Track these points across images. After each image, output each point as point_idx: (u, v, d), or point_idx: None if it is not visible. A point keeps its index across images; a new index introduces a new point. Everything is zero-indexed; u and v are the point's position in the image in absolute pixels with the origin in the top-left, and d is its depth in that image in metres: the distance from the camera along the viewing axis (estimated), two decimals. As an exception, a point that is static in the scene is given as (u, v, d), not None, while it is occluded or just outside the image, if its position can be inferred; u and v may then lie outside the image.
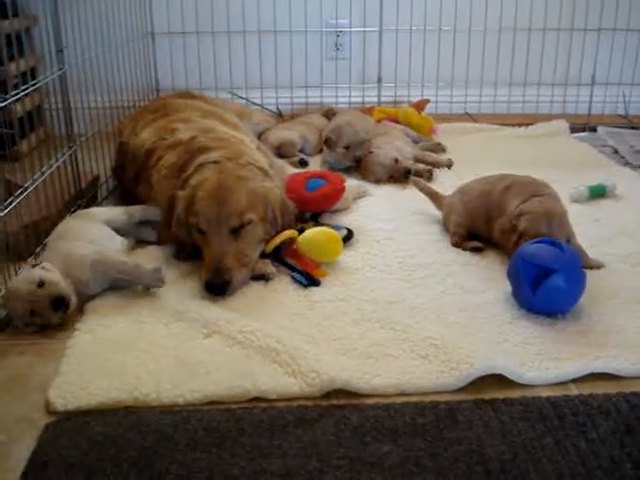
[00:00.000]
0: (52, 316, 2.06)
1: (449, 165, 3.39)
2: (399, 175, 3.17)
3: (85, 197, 2.90)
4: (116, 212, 2.57)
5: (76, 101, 2.92)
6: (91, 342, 1.99)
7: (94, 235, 2.36)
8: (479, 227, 2.54)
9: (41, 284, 2.05)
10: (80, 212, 2.57)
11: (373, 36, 4.24)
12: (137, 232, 2.57)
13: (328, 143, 3.35)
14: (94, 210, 2.61)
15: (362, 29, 4.26)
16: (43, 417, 1.73)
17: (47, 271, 2.11)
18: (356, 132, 3.36)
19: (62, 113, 2.83)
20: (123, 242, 2.45)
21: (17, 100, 2.40)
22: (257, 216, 2.31)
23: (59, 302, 2.05)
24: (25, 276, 2.09)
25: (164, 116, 2.89)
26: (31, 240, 2.45)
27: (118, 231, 2.49)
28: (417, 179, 2.90)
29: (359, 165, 3.30)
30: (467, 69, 4.30)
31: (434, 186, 3.03)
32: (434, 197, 2.78)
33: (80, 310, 2.16)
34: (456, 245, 2.53)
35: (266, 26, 4.17)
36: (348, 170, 3.34)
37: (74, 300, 2.11)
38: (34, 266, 2.12)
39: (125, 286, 2.24)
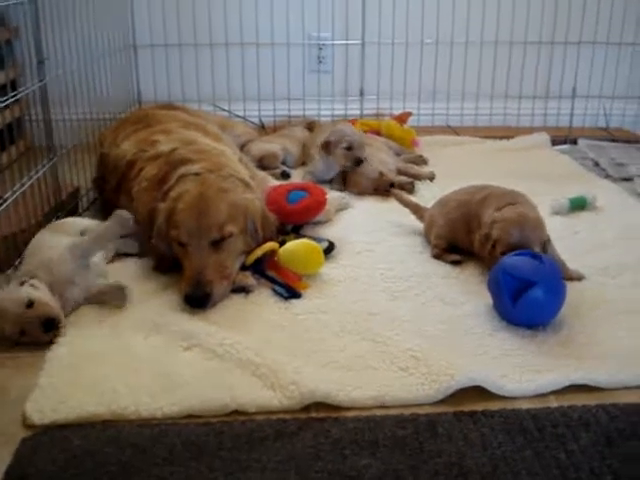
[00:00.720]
0: (42, 336, 2.02)
1: (431, 177, 3.39)
2: (383, 188, 3.17)
3: (65, 209, 2.88)
4: (93, 222, 2.55)
5: (57, 113, 2.91)
6: (70, 355, 1.97)
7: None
8: (460, 238, 2.54)
9: (30, 304, 2.02)
10: (55, 223, 2.55)
11: (355, 49, 4.25)
12: (118, 244, 2.55)
13: (327, 146, 3.30)
14: (69, 220, 2.60)
15: (344, 42, 4.27)
16: (20, 431, 1.70)
17: (35, 289, 2.07)
18: (356, 133, 3.36)
19: (43, 125, 2.82)
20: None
21: (-4, 112, 2.38)
22: (238, 228, 2.30)
23: (50, 323, 2.02)
24: (13, 296, 2.05)
25: (145, 127, 2.87)
26: (10, 252, 2.44)
27: None
28: (398, 191, 2.91)
29: (345, 176, 3.30)
30: (449, 82, 4.32)
31: (416, 198, 3.04)
32: (415, 209, 2.78)
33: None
34: (436, 257, 2.54)
35: (248, 38, 4.17)
36: (330, 182, 3.35)
37: (63, 318, 2.08)
38: (22, 283, 2.08)
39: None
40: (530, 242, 2.24)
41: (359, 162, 3.24)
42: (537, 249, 2.24)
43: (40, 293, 2.06)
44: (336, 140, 3.28)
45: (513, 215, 2.31)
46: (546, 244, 2.31)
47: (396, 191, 2.91)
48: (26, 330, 2.02)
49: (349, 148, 3.26)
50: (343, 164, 3.29)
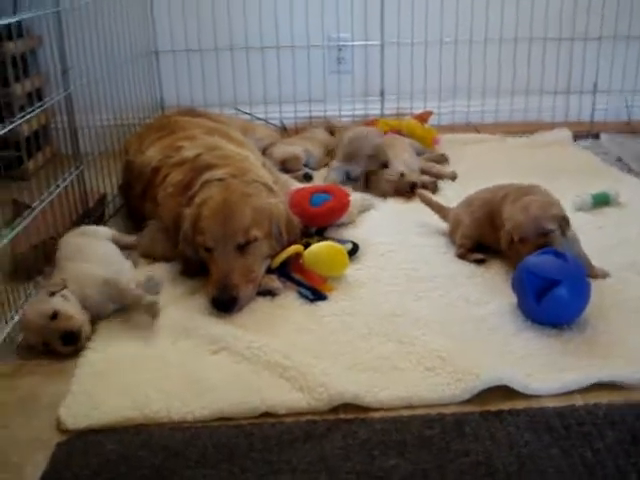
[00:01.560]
0: (62, 349, 2.05)
1: (453, 177, 3.40)
2: (405, 189, 3.18)
3: (93, 216, 2.93)
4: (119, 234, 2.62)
5: (82, 120, 2.95)
6: (100, 361, 2.01)
7: (103, 254, 2.38)
8: (486, 237, 2.55)
9: (54, 316, 2.04)
10: (85, 229, 2.57)
11: (375, 49, 4.27)
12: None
13: (350, 156, 3.33)
14: (100, 228, 2.63)
15: (364, 43, 4.29)
16: (54, 436, 1.75)
17: (65, 300, 2.10)
18: (376, 138, 3.38)
19: (68, 132, 2.87)
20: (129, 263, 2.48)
21: (24, 121, 2.42)
22: (262, 232, 2.33)
23: (69, 337, 2.05)
24: (39, 306, 2.08)
25: (169, 134, 2.91)
26: (40, 260, 2.48)
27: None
28: (422, 192, 2.92)
29: (367, 178, 3.31)
30: (469, 79, 4.32)
31: (438, 198, 3.05)
32: (439, 209, 2.80)
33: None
34: (461, 256, 2.55)
35: (268, 42, 4.20)
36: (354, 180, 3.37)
37: (87, 330, 2.11)
38: (53, 293, 2.10)
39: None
40: (538, 221, 2.26)
41: (385, 166, 3.25)
42: (551, 226, 2.26)
43: (68, 305, 2.10)
44: (357, 148, 3.32)
45: (520, 204, 2.35)
46: (564, 224, 2.31)
47: (420, 191, 2.92)
48: (48, 342, 2.06)
49: (371, 156, 3.28)
50: (369, 167, 3.29)
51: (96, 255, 2.35)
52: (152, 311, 2.18)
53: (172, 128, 2.98)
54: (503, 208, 2.46)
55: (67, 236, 2.46)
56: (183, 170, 2.59)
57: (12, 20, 2.46)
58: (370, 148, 3.28)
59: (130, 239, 2.63)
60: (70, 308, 2.09)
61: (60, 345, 2.05)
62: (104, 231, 2.58)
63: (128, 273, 2.36)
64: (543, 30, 4.25)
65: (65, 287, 2.14)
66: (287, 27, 4.18)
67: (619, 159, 3.78)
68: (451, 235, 2.67)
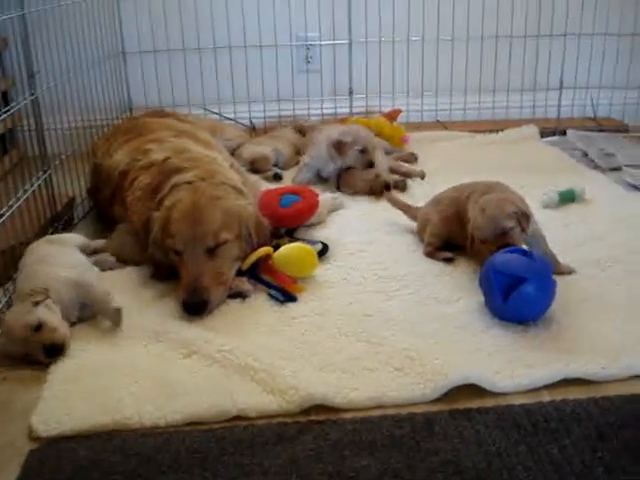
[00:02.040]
0: (45, 360, 2.03)
1: (422, 176, 3.42)
2: (378, 189, 3.19)
3: (61, 219, 2.91)
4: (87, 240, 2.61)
5: (49, 122, 2.94)
6: (73, 367, 2.00)
7: (73, 260, 2.37)
8: (455, 235, 2.58)
9: (38, 327, 2.02)
10: (51, 237, 2.56)
11: (343, 48, 4.29)
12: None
13: (339, 146, 3.29)
14: (66, 236, 2.62)
15: (332, 42, 4.31)
16: (27, 444, 1.74)
17: (49, 311, 2.08)
18: (369, 135, 3.38)
19: (35, 135, 2.85)
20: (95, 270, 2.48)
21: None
22: (232, 235, 2.34)
23: (53, 350, 2.03)
24: (23, 317, 2.04)
25: (137, 136, 2.90)
26: (9, 266, 2.46)
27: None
28: (390, 195, 2.94)
29: (339, 176, 3.32)
30: (437, 77, 4.36)
31: (407, 197, 3.09)
32: (407, 209, 2.83)
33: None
34: (429, 255, 2.58)
35: (236, 41, 4.20)
36: (325, 180, 3.40)
37: (68, 341, 2.09)
38: (37, 303, 2.07)
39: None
40: (495, 221, 2.28)
41: (371, 165, 3.27)
42: (509, 224, 2.27)
43: (52, 316, 2.08)
44: (351, 142, 3.28)
45: (479, 204, 2.37)
46: (523, 220, 2.31)
47: (388, 194, 2.94)
48: (30, 353, 2.04)
49: (363, 151, 3.28)
50: (352, 165, 3.30)
51: (63, 260, 2.34)
52: (116, 317, 2.18)
53: (140, 130, 2.97)
54: (468, 207, 2.48)
55: (33, 244, 2.44)
56: (151, 173, 2.58)
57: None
58: (362, 145, 3.28)
59: (98, 243, 2.62)
60: (54, 319, 2.07)
61: (43, 356, 2.03)
62: (71, 238, 2.56)
63: (94, 280, 2.35)
64: (509, 28, 4.30)
65: (48, 297, 2.12)
66: (255, 27, 4.18)
67: (585, 155, 3.83)
68: (419, 234, 2.70)
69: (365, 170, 3.27)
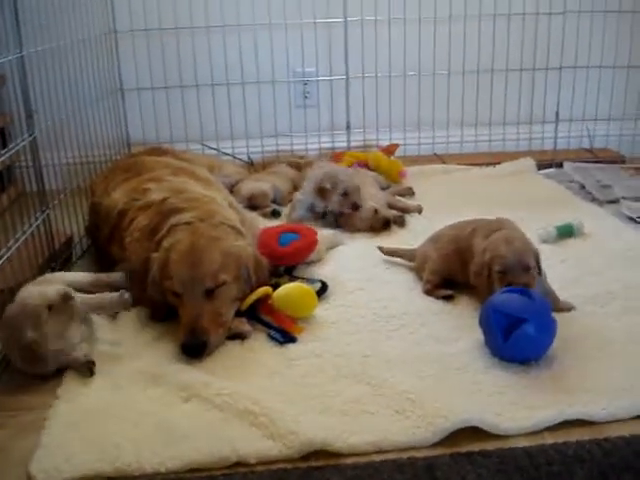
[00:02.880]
0: None
1: (419, 210, 3.43)
2: (378, 225, 3.20)
3: (59, 258, 2.90)
4: (80, 275, 2.59)
5: (47, 158, 2.95)
6: (71, 411, 1.98)
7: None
8: (455, 272, 2.58)
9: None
10: (41, 278, 2.52)
11: (340, 83, 4.33)
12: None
13: (323, 193, 3.28)
14: (56, 274, 2.61)
15: (329, 77, 4.34)
16: (25, 493, 1.72)
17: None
18: (349, 175, 3.37)
19: (33, 173, 2.85)
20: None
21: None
22: (231, 276, 2.33)
23: None
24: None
25: (135, 175, 2.91)
26: (6, 306, 2.45)
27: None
28: (387, 249, 2.90)
29: (345, 215, 3.30)
30: (433, 111, 4.39)
31: (406, 232, 3.10)
32: (404, 254, 2.83)
33: (59, 376, 2.16)
34: (428, 293, 2.57)
35: (234, 78, 4.23)
36: (323, 217, 3.39)
37: None
38: None
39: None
40: (522, 255, 2.27)
41: (356, 207, 3.25)
42: (531, 261, 2.27)
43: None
44: (331, 188, 3.27)
45: (500, 236, 2.37)
46: (539, 258, 2.33)
47: (383, 247, 2.91)
48: None
49: (345, 194, 3.27)
50: (340, 210, 3.28)
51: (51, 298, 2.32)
52: (87, 368, 2.17)
53: (138, 169, 2.98)
54: (472, 242, 2.49)
55: (26, 286, 2.43)
56: (150, 214, 2.59)
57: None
58: (343, 189, 3.27)
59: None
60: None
61: None
62: (55, 277, 2.55)
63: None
64: (505, 61, 4.33)
65: None
66: (252, 63, 4.23)
67: (582, 187, 3.84)
68: (418, 272, 2.70)
69: (358, 211, 3.26)
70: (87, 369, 2.16)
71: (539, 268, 2.32)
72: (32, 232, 2.68)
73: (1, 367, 2.26)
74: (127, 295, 2.36)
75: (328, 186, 3.27)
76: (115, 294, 2.36)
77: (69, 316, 2.22)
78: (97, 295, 2.38)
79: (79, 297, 2.31)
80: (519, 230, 2.47)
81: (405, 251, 2.83)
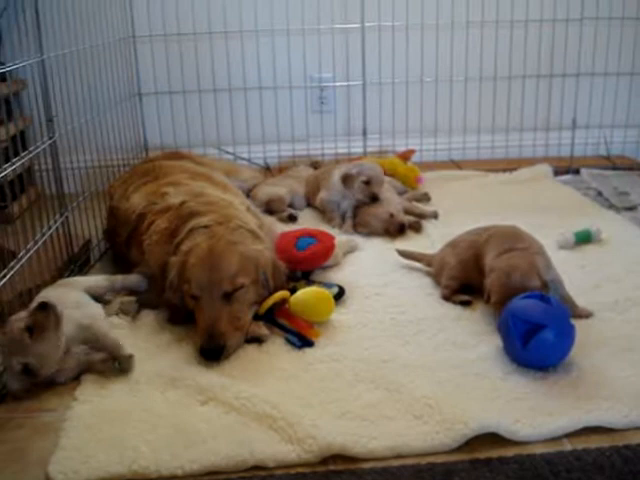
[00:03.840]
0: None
1: (435, 216, 3.43)
2: (394, 230, 3.21)
3: (78, 261, 2.92)
4: (97, 279, 2.60)
5: (66, 162, 2.96)
6: (89, 413, 1.99)
7: (73, 301, 2.37)
8: (473, 278, 2.56)
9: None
10: (60, 281, 2.57)
11: (357, 89, 4.33)
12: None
13: (347, 179, 3.35)
14: (74, 279, 2.62)
15: (346, 83, 4.35)
16: (44, 494, 1.73)
17: None
18: (377, 170, 3.40)
19: (52, 175, 2.87)
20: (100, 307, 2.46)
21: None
22: (249, 280, 2.34)
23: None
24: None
25: (154, 180, 2.93)
26: (26, 308, 2.46)
27: (99, 299, 2.52)
28: (402, 250, 2.91)
29: (362, 211, 3.34)
30: (450, 117, 4.39)
31: (423, 238, 3.10)
32: (421, 258, 2.83)
33: (77, 379, 2.17)
34: (446, 298, 2.56)
35: (251, 83, 4.25)
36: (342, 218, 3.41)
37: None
38: None
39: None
40: (517, 288, 2.25)
41: (375, 198, 3.29)
42: (534, 288, 2.25)
43: None
44: (356, 173, 3.33)
45: (503, 265, 2.35)
46: (544, 288, 2.30)
47: (401, 250, 2.91)
48: None
49: (367, 182, 3.31)
50: (359, 198, 3.33)
51: (65, 300, 2.33)
52: (127, 365, 2.18)
53: (156, 173, 2.99)
54: (485, 251, 2.49)
55: (46, 289, 2.45)
56: (168, 218, 2.59)
57: (-2, 72, 2.48)
58: (366, 176, 3.32)
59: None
60: None
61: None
62: (78, 281, 2.58)
63: (103, 323, 2.35)
64: (522, 68, 4.33)
65: None
66: (270, 68, 4.24)
67: (599, 194, 3.83)
68: (436, 277, 2.69)
69: (379, 210, 3.27)
70: (128, 364, 2.18)
71: (547, 289, 2.30)
72: (51, 235, 2.70)
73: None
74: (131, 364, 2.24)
75: (354, 171, 3.33)
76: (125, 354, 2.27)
77: (52, 326, 2.13)
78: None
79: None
80: (531, 251, 2.42)
81: (422, 255, 2.83)
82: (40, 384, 2.12)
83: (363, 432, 1.84)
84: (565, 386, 2.02)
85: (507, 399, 1.97)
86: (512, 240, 2.47)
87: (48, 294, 2.40)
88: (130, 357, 2.19)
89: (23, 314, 2.14)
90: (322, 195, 3.52)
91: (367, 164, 3.44)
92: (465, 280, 2.59)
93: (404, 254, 2.88)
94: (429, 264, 2.76)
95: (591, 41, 4.25)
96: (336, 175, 3.46)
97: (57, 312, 2.13)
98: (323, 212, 3.53)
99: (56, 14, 2.97)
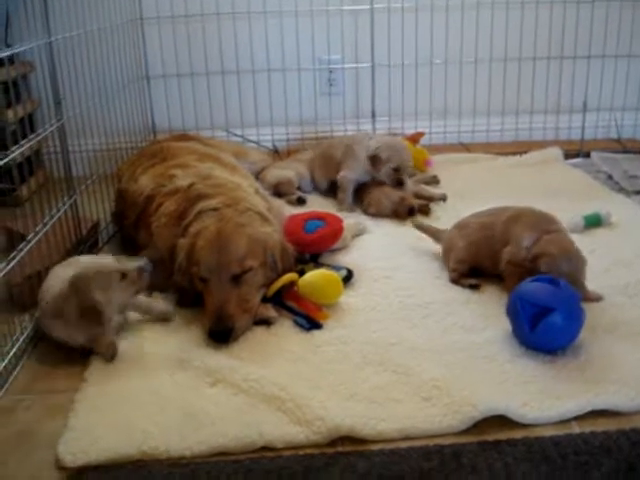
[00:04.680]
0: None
1: (443, 199, 3.41)
2: (403, 212, 3.20)
3: (86, 244, 2.92)
4: (108, 260, 2.59)
5: (74, 145, 2.95)
6: (98, 395, 2.00)
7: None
8: (482, 260, 2.56)
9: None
10: (71, 259, 2.52)
11: (366, 71, 4.30)
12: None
13: (375, 161, 3.32)
14: (86, 257, 2.61)
15: (354, 65, 4.32)
16: (53, 474, 1.74)
17: None
18: (406, 152, 3.39)
19: (61, 158, 2.86)
20: None
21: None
22: (257, 262, 2.34)
23: None
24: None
25: (162, 161, 2.92)
26: (35, 291, 2.47)
27: None
28: (418, 222, 2.90)
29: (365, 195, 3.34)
30: (459, 100, 4.36)
31: (432, 220, 3.09)
32: (434, 233, 2.80)
33: (87, 359, 2.18)
34: (454, 281, 2.56)
35: (260, 65, 4.23)
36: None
37: None
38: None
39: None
40: (578, 276, 2.26)
41: (401, 184, 3.28)
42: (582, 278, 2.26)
43: None
44: (386, 158, 3.31)
45: (559, 250, 2.31)
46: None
47: (417, 221, 2.90)
48: None
49: (396, 169, 3.30)
50: (384, 181, 3.33)
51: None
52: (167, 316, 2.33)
53: (164, 155, 2.98)
54: (512, 231, 2.46)
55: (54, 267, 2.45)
56: (176, 200, 2.59)
57: (5, 54, 2.47)
58: (396, 163, 3.31)
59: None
60: None
61: None
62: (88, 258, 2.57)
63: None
64: (532, 50, 4.29)
65: None
66: (278, 50, 4.21)
67: (610, 177, 3.81)
68: (444, 258, 2.68)
69: (391, 190, 3.27)
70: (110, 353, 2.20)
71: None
72: (59, 217, 2.70)
73: (29, 349, 2.29)
74: (172, 309, 2.40)
75: (383, 156, 3.30)
76: (164, 306, 2.40)
77: (135, 290, 2.29)
78: (148, 300, 2.42)
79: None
80: (566, 232, 2.44)
81: (435, 230, 2.80)
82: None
83: (371, 414, 1.84)
84: (573, 369, 2.02)
85: (515, 382, 1.97)
86: (544, 222, 2.45)
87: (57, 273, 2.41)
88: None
89: (111, 259, 2.30)
90: (345, 174, 3.46)
91: (398, 146, 3.40)
92: (473, 262, 2.58)
93: (420, 227, 2.86)
94: (440, 241, 2.74)
95: (602, 23, 4.21)
96: (362, 153, 3.42)
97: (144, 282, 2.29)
98: (339, 190, 3.48)
99: (64, -4, 2.96)
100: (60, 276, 2.27)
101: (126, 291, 2.26)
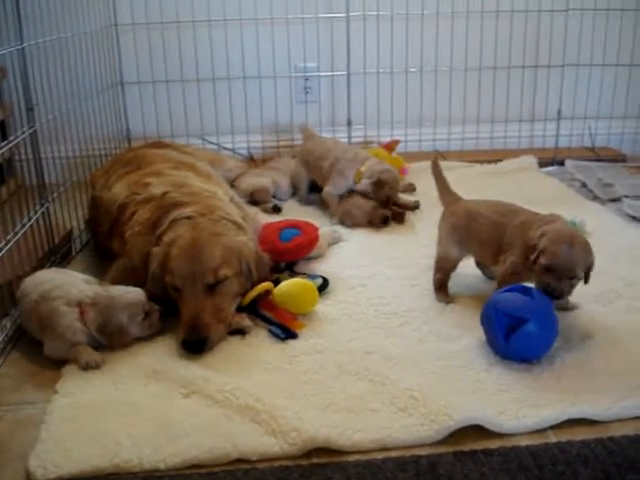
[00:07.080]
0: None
1: (417, 206, 3.41)
2: (377, 221, 3.20)
3: (59, 252, 2.88)
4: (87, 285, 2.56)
5: (47, 152, 2.92)
6: (70, 406, 1.97)
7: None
8: (483, 255, 2.50)
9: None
10: (61, 270, 2.53)
11: (341, 79, 4.31)
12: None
13: (378, 186, 3.26)
14: (74, 274, 2.58)
15: (330, 73, 4.32)
16: (24, 488, 1.71)
17: None
18: (396, 174, 3.38)
19: (33, 165, 2.83)
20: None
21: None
22: (232, 271, 2.32)
23: None
24: None
25: (136, 169, 2.88)
26: (5, 300, 2.44)
27: None
28: (435, 162, 2.77)
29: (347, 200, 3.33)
30: (435, 108, 4.37)
31: (407, 228, 3.08)
32: (442, 189, 2.70)
33: (58, 372, 2.15)
34: (439, 282, 2.52)
35: (235, 72, 4.22)
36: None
37: None
38: None
39: None
40: (576, 262, 2.16)
41: (388, 204, 3.29)
42: (580, 272, 2.17)
43: None
44: (389, 185, 3.28)
45: (564, 230, 2.24)
46: (589, 271, 2.22)
47: (434, 161, 2.77)
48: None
49: (388, 198, 3.29)
50: (376, 198, 3.29)
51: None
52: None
53: (139, 163, 2.95)
54: (524, 235, 2.31)
55: (31, 276, 2.41)
56: (150, 208, 2.56)
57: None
58: (392, 186, 3.30)
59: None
60: None
61: None
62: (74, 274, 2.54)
63: None
64: (507, 58, 4.32)
65: None
66: (254, 58, 4.20)
67: (584, 185, 3.83)
68: (444, 232, 2.57)
69: (362, 200, 3.26)
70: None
71: (587, 278, 2.22)
72: (32, 225, 2.67)
73: (1, 358, 2.25)
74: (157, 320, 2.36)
75: (390, 183, 3.29)
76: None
77: (149, 332, 2.32)
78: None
79: None
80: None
81: (444, 187, 2.69)
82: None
83: (347, 424, 1.83)
84: (549, 378, 2.03)
85: (491, 391, 1.97)
86: (550, 217, 2.36)
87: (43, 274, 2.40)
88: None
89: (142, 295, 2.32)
90: (329, 190, 3.42)
91: (395, 175, 3.37)
92: (473, 255, 2.55)
93: (436, 170, 2.73)
94: (445, 204, 2.65)
95: (576, 32, 4.23)
96: (349, 172, 3.38)
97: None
98: (326, 204, 3.46)
99: (37, 1, 2.92)
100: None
101: (141, 327, 2.29)
